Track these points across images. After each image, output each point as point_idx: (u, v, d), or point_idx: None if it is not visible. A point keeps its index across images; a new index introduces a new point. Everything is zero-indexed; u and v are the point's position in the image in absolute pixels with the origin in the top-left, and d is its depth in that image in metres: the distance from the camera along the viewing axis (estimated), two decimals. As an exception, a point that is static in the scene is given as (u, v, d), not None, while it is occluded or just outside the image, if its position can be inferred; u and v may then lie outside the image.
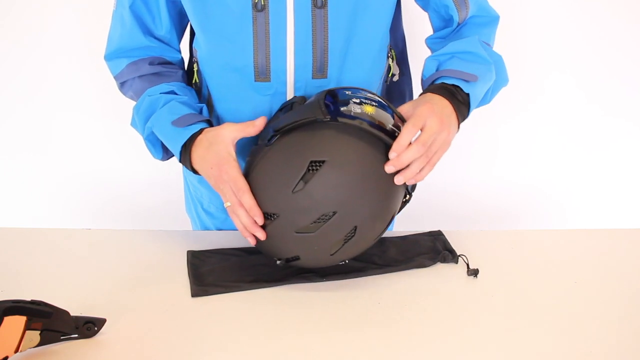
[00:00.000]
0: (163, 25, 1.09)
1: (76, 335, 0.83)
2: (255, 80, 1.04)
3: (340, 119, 0.89)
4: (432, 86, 1.01)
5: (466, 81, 1.00)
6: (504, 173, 2.06)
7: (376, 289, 0.98)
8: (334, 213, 0.89)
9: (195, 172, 1.01)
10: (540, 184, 2.06)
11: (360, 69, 1.07)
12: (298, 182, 0.89)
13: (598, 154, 2.02)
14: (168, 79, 1.09)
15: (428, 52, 1.18)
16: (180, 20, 1.12)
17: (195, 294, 0.95)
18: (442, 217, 1.65)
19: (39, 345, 0.80)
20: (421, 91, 1.04)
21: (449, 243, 1.10)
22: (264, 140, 0.95)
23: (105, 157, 2.00)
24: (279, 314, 0.91)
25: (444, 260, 1.05)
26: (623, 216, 2.07)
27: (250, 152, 0.99)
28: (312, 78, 1.04)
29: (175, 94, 1.07)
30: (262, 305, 0.93)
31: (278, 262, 0.96)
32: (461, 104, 0.99)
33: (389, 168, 0.90)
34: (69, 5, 1.80)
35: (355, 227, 0.91)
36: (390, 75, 1.17)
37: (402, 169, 0.91)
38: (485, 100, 1.08)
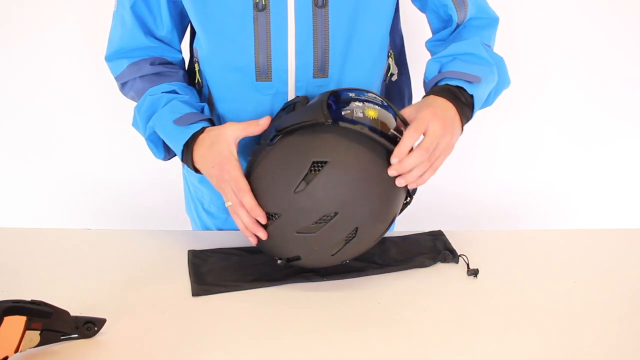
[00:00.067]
0: (164, 25, 1.09)
1: (76, 335, 0.83)
2: (256, 80, 1.04)
3: (341, 124, 0.89)
4: (435, 88, 1.01)
5: (469, 82, 0.99)
6: (504, 173, 2.06)
7: (376, 289, 0.98)
8: (335, 214, 0.89)
9: (197, 171, 1.01)
10: (540, 184, 2.06)
11: (361, 68, 1.07)
12: (300, 183, 0.89)
13: (598, 155, 2.03)
14: (169, 78, 1.09)
15: (426, 52, 1.18)
16: (181, 21, 1.12)
17: (195, 293, 0.95)
18: (442, 217, 1.65)
19: (39, 345, 0.80)
20: (420, 91, 1.04)
21: (449, 243, 1.10)
22: (266, 140, 0.95)
23: (105, 157, 2.00)
24: (279, 314, 0.91)
25: (445, 260, 1.05)
26: (623, 216, 2.07)
27: (252, 151, 0.99)
28: (313, 77, 1.04)
29: (177, 93, 1.07)
30: (262, 305, 0.93)
31: (279, 261, 0.96)
32: (464, 106, 0.99)
33: (392, 172, 0.90)
34: (69, 6, 1.80)
35: (357, 228, 0.91)
36: (389, 75, 1.17)
37: (404, 173, 0.90)
38: (488, 102, 1.07)
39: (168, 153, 1.11)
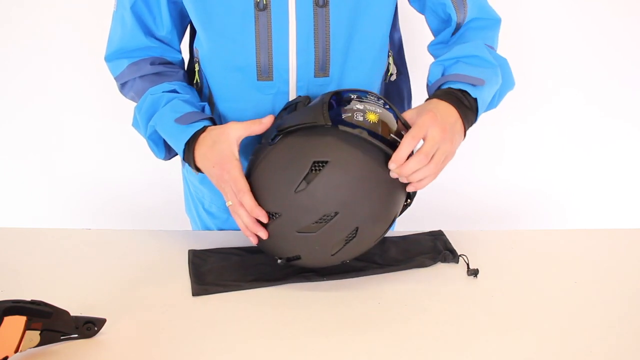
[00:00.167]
0: (164, 25, 1.09)
1: (76, 335, 0.83)
2: (257, 80, 1.04)
3: (340, 127, 0.89)
4: (438, 91, 1.00)
5: (473, 85, 0.98)
6: (504, 173, 2.06)
7: (376, 289, 0.98)
8: (336, 214, 0.89)
9: (198, 170, 1.01)
10: (540, 184, 2.07)
11: (361, 67, 1.07)
12: (301, 182, 0.89)
13: (598, 155, 2.03)
14: (170, 78, 1.09)
15: (425, 51, 1.18)
16: (181, 21, 1.12)
17: (196, 293, 0.95)
18: (442, 217, 1.65)
19: (39, 345, 0.80)
20: (419, 91, 1.03)
21: (449, 243, 1.10)
22: (268, 139, 0.95)
23: (106, 157, 2.00)
24: (279, 314, 0.91)
25: (445, 260, 1.05)
26: (623, 216, 2.07)
27: (253, 150, 0.99)
28: (314, 77, 1.04)
29: (177, 92, 1.07)
30: (262, 305, 0.93)
31: (279, 261, 0.96)
32: (468, 110, 0.97)
33: (392, 174, 0.90)
34: (68, 6, 1.80)
35: (357, 228, 0.91)
36: (389, 75, 1.17)
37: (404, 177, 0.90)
38: (492, 104, 1.06)
39: (169, 152, 1.11)
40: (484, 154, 1.99)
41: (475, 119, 1.00)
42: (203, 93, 1.15)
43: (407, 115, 0.95)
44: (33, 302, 0.79)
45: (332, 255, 0.93)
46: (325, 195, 0.89)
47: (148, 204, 2.01)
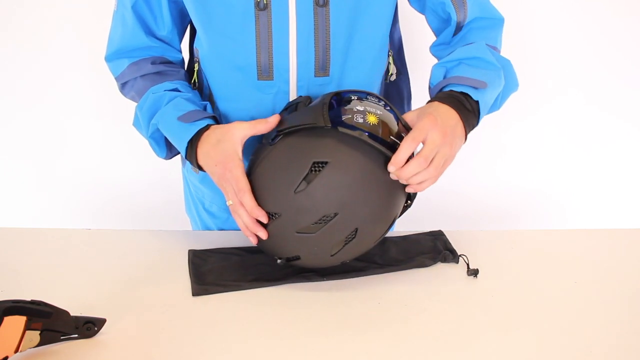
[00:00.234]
0: (165, 25, 1.09)
1: (76, 335, 0.83)
2: (258, 79, 1.04)
3: (340, 129, 0.89)
4: (440, 94, 0.99)
5: (475, 88, 0.97)
6: (504, 173, 2.06)
7: (376, 289, 0.98)
8: (335, 214, 0.89)
9: (200, 168, 1.01)
10: (540, 184, 2.06)
11: (362, 67, 1.07)
12: (300, 183, 0.89)
13: (598, 155, 2.03)
14: (171, 77, 1.09)
15: (425, 51, 1.17)
16: (181, 21, 1.12)
17: (196, 292, 0.95)
18: (442, 217, 1.65)
19: (39, 345, 0.80)
20: (419, 91, 1.03)
21: (449, 243, 1.10)
22: (268, 140, 0.95)
23: (106, 157, 2.00)
24: (279, 314, 0.91)
25: (445, 260, 1.05)
26: (623, 216, 2.07)
27: (254, 150, 0.99)
28: (315, 76, 1.04)
29: (179, 91, 1.07)
30: (262, 305, 0.93)
31: (279, 261, 0.96)
32: (469, 113, 0.97)
33: (392, 176, 0.90)
34: (68, 6, 1.80)
35: (356, 229, 0.91)
36: (389, 75, 1.17)
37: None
38: (495, 106, 1.05)
39: (170, 151, 1.11)
40: (484, 154, 1.99)
41: (477, 122, 1.00)
42: (203, 93, 1.15)
43: (408, 117, 0.95)
44: (33, 302, 0.79)
45: (331, 255, 0.93)
46: (324, 196, 0.89)
47: (148, 204, 2.01)
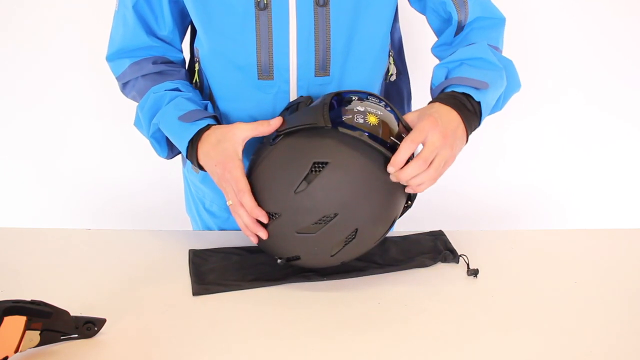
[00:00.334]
0: (166, 25, 1.09)
1: (76, 335, 0.83)
2: (258, 79, 1.04)
3: (340, 129, 0.88)
4: (441, 95, 0.99)
5: (477, 89, 0.97)
6: (504, 173, 2.06)
7: (376, 289, 0.98)
8: (335, 215, 0.89)
9: (200, 167, 1.01)
10: (540, 184, 2.06)
11: (362, 67, 1.07)
12: (301, 183, 0.89)
13: (598, 154, 2.03)
14: (172, 77, 1.10)
15: (425, 51, 1.17)
16: (182, 20, 1.12)
17: (196, 292, 0.95)
18: (442, 217, 1.65)
19: (39, 345, 0.80)
20: (419, 91, 1.03)
21: (450, 243, 1.10)
22: (269, 139, 0.95)
23: (106, 157, 2.00)
24: (279, 314, 0.91)
25: (445, 260, 1.05)
26: (623, 216, 2.07)
27: (254, 150, 0.99)
28: (315, 76, 1.04)
29: (180, 90, 1.07)
30: (262, 305, 0.93)
31: (279, 260, 0.96)
32: (471, 114, 0.96)
33: (391, 178, 0.89)
34: (69, 6, 1.80)
35: (356, 229, 0.91)
36: (389, 75, 1.17)
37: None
38: (497, 107, 1.05)
39: (171, 151, 1.11)
40: (484, 153, 1.99)
41: (479, 123, 0.99)
42: (203, 92, 1.15)
43: (409, 118, 0.94)
44: (33, 302, 0.79)
45: (331, 256, 0.93)
46: (325, 196, 0.89)
47: (148, 204, 2.01)
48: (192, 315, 0.91)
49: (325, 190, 0.89)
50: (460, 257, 1.05)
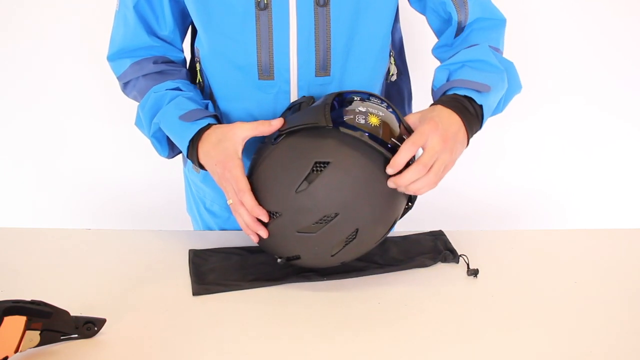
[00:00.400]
0: (167, 25, 1.09)
1: (76, 335, 0.83)
2: (258, 79, 1.04)
3: (342, 129, 0.89)
4: (443, 97, 0.98)
5: (479, 92, 0.97)
6: (505, 173, 2.06)
7: (376, 289, 0.98)
8: (336, 215, 0.89)
9: (201, 167, 1.02)
10: (540, 184, 2.06)
11: (363, 67, 1.07)
12: (302, 182, 0.89)
13: (598, 155, 2.03)
14: (172, 77, 1.10)
15: (425, 51, 1.17)
16: (183, 20, 1.12)
17: (196, 292, 0.95)
18: (442, 217, 1.65)
19: (39, 345, 0.80)
20: (419, 91, 1.03)
21: (450, 243, 1.10)
22: (270, 139, 0.96)
23: (106, 157, 2.00)
24: (279, 314, 0.92)
25: (445, 260, 1.05)
26: (623, 216, 2.07)
27: (256, 149, 0.99)
28: (315, 76, 1.04)
29: (181, 90, 1.07)
30: (262, 305, 0.93)
31: (279, 260, 0.96)
32: (472, 117, 0.96)
33: (390, 184, 0.89)
34: (69, 6, 1.80)
35: (357, 229, 0.91)
36: (390, 75, 1.17)
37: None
38: (498, 109, 1.05)
39: (172, 150, 1.11)
40: (484, 154, 1.99)
41: (480, 126, 0.99)
42: (204, 92, 1.15)
43: (410, 120, 0.94)
44: (33, 302, 0.79)
45: (331, 256, 0.94)
46: (326, 196, 0.89)
47: (149, 204, 2.01)
48: (192, 315, 0.91)
49: (326, 190, 0.89)
50: (460, 257, 1.05)
